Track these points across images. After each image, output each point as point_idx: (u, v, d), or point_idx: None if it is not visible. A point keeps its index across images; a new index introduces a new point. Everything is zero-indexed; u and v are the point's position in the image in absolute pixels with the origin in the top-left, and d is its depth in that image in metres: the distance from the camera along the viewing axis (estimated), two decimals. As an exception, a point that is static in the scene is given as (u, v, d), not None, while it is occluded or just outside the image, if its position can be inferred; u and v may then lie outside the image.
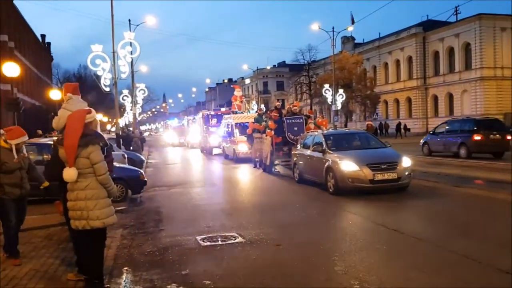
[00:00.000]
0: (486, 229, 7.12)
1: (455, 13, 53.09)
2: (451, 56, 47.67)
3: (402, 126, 46.09)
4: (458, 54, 46.30)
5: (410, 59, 52.53)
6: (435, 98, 49.91)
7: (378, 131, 42.28)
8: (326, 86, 43.13)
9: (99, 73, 19.51)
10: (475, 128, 19.22)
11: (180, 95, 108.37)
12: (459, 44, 46.05)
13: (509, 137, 19.12)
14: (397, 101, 55.09)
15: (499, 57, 43.72)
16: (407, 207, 9.49)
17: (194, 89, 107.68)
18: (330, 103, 44.19)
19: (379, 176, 10.11)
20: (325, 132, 13.51)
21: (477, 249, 5.90)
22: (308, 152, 12.50)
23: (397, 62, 54.78)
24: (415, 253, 5.92)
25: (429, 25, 51.05)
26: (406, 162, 10.59)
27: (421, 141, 22.43)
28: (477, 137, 18.77)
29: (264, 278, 5.07)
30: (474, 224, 7.57)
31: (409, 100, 52.97)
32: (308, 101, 62.77)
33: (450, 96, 47.72)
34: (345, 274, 5.10)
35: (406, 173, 10.41)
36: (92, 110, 4.93)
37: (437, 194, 10.55)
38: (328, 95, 42.57)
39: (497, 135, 19.01)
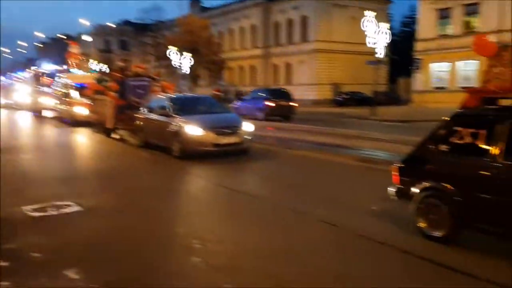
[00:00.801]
0: (312, 186, 7.97)
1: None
2: (291, 28, 50.87)
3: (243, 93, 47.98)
4: (297, 26, 49.67)
5: (254, 28, 54.55)
6: (276, 68, 53.05)
7: (224, 96, 43.41)
8: (173, 48, 42.31)
9: None
10: (269, 96, 24.46)
11: (7, 50, 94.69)
12: (298, 17, 49.36)
13: (292, 104, 24.95)
14: (241, 68, 57.08)
15: (332, 32, 47.98)
16: (247, 168, 10.07)
17: (23, 44, 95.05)
18: (176, 66, 43.65)
19: (222, 140, 10.47)
20: (171, 96, 13.34)
21: (304, 204, 6.59)
22: (153, 116, 12.23)
23: (242, 29, 56.44)
24: (252, 210, 6.36)
25: (273, -4, 53.45)
26: (247, 126, 11.15)
27: (233, 106, 25.76)
28: (270, 104, 23.88)
29: (104, 246, 4.89)
30: (303, 182, 8.42)
31: (252, 67, 55.33)
32: (154, 63, 60.95)
33: (289, 66, 51.22)
34: (186, 235, 5.23)
35: (247, 137, 10.98)
36: None
37: (274, 156, 11.41)
38: (175, 58, 41.90)
39: (285, 102, 24.48)
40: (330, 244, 4.94)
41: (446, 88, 35.61)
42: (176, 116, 11.23)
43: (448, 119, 4.88)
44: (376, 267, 4.28)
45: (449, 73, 35.60)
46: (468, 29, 34.74)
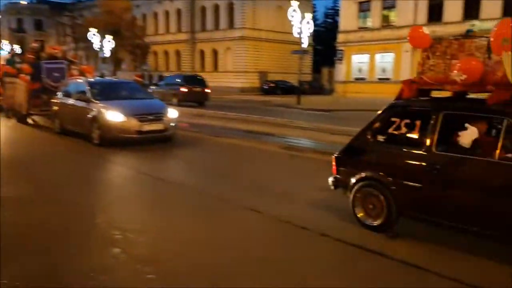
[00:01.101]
0: (239, 174, 8.00)
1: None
2: (217, 13, 50.40)
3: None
4: (223, 12, 49.29)
5: (179, 12, 53.32)
6: (202, 53, 52.42)
7: (148, 82, 42.17)
8: (93, 30, 40.19)
9: None
10: (183, 82, 24.94)
11: None
12: (225, 3, 48.96)
13: (207, 90, 25.64)
14: (166, 53, 55.71)
15: (259, 20, 48.16)
16: (172, 156, 9.87)
17: None
18: (97, 49, 41.58)
19: (146, 127, 10.15)
20: (90, 80, 12.66)
21: (230, 191, 6.59)
22: (71, 101, 11.54)
23: (167, 13, 54.94)
24: (177, 198, 6.24)
25: (199, -20, 52.52)
26: (172, 113, 10.89)
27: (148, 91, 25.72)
28: (183, 89, 24.39)
29: (17, 239, 4.52)
30: (230, 170, 8.41)
31: (178, 53, 54.20)
32: (73, 45, 57.50)
33: (215, 52, 50.84)
34: (106, 226, 5.00)
35: (172, 124, 10.74)
36: None
37: (200, 143, 11.29)
38: (95, 40, 39.85)
39: (199, 88, 25.15)
40: (254, 231, 4.99)
41: (366, 79, 37.42)
42: (96, 101, 10.69)
43: (385, 109, 4.94)
44: (298, 251, 4.38)
45: (369, 65, 37.39)
46: (386, 23, 36.67)
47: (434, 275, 3.82)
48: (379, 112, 5.01)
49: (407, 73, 33.96)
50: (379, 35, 36.22)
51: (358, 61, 38.02)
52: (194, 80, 26.35)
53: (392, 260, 4.13)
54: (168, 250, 4.37)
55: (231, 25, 48.71)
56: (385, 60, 36.19)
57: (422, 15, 33.65)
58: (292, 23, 26.72)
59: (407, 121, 4.64)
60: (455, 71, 4.20)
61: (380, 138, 4.87)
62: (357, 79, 38.03)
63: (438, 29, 31.47)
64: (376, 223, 4.76)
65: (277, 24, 45.60)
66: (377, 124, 4.94)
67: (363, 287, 3.69)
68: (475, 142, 4.29)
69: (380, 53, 36.34)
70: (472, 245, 4.38)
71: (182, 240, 4.63)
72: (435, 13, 32.82)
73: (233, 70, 47.46)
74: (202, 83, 26.22)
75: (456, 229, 4.34)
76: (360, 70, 38.05)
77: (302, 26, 26.47)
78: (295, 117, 18.49)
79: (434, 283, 3.74)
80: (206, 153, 10.16)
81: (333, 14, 65.90)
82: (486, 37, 4.16)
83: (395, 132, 4.72)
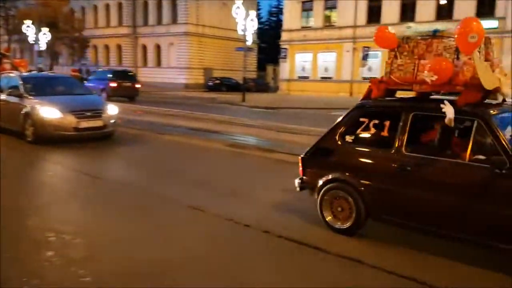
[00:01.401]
0: (182, 172, 7.88)
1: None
2: (159, 8, 49.32)
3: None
4: (166, 7, 48.33)
5: (120, 5, 51.61)
6: (145, 48, 51.16)
7: (86, 77, 40.55)
8: (28, 22, 38.04)
9: None
10: (112, 77, 24.96)
11: None
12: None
13: (137, 85, 26.07)
14: (107, 48, 53.86)
15: (204, 16, 47.63)
16: (112, 154, 9.56)
17: None
18: (32, 42, 39.41)
19: (83, 124, 9.75)
20: (24, 74, 12.00)
21: (173, 190, 6.48)
22: (3, 96, 10.85)
23: (107, 6, 53.07)
24: (116, 198, 6.04)
25: (140, -27, 51.16)
26: (111, 109, 10.54)
27: None
28: (113, 84, 24.36)
29: None
30: (173, 168, 8.27)
31: (119, 47, 52.56)
32: (5, 37, 54.09)
33: (159, 48, 49.79)
34: (39, 228, 4.75)
35: (112, 121, 10.39)
36: None
37: (142, 141, 11.01)
38: (30, 33, 37.75)
39: (129, 83, 25.41)
40: (195, 229, 4.93)
41: (309, 78, 38.18)
42: (30, 97, 10.14)
43: (353, 109, 4.80)
44: (240, 249, 4.39)
45: (312, 64, 38.17)
46: (328, 23, 37.60)
47: (370, 268, 3.95)
48: (347, 112, 4.86)
49: (348, 73, 35.12)
50: (321, 35, 37.07)
51: (302, 59, 38.73)
52: (124, 75, 26.40)
53: (328, 254, 4.23)
54: (106, 251, 4.22)
55: (174, 20, 47.86)
56: (327, 59, 37.11)
57: (362, 16, 34.84)
58: (236, 20, 26.73)
59: (376, 121, 4.55)
60: (426, 72, 4.12)
61: (349, 138, 4.75)
62: (300, 77, 38.72)
63: (377, 30, 32.76)
64: (345, 226, 4.64)
65: (222, 21, 45.43)
66: (345, 125, 4.79)
67: (300, 281, 3.75)
68: (446, 143, 4.25)
69: (322, 52, 37.20)
70: (437, 246, 4.44)
71: (120, 240, 4.49)
72: (374, 15, 34.08)
73: (177, 66, 46.74)
74: (132, 78, 26.55)
75: (426, 232, 4.29)
76: (303, 69, 38.76)
77: (246, 24, 26.55)
78: (240, 115, 18.54)
79: (369, 276, 3.86)
80: (149, 151, 9.93)
81: (277, 12, 66.66)
82: (454, 37, 4.11)
83: (364, 133, 4.63)
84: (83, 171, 7.48)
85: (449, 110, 3.97)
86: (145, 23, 50.59)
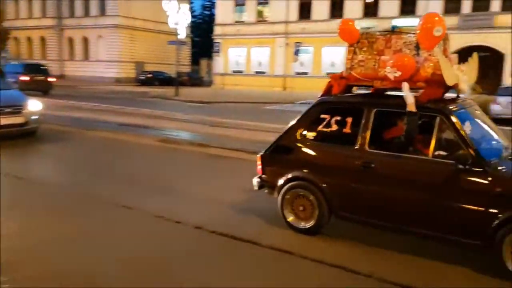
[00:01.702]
0: (112, 169, 7.61)
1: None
2: (87, -1, 47.12)
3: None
4: (94, -2, 46.25)
5: (44, -5, 48.75)
6: (71, 41, 48.68)
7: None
8: None
9: None
10: (23, 70, 24.18)
11: None
12: (94, -12, 45.94)
13: (50, 79, 25.45)
14: (29, 40, 50.62)
15: (134, 8, 45.93)
16: (36, 152, 9.02)
17: None
18: None
19: (3, 121, 9.10)
20: None
21: (102, 189, 6.24)
22: None
23: (30, -5, 49.88)
24: (41, 199, 5.72)
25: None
26: (34, 105, 9.94)
27: None
28: (24, 78, 23.41)
29: None
30: (102, 165, 7.96)
31: (43, 39, 49.61)
32: None
33: (86, 40, 47.60)
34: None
35: (35, 117, 9.80)
36: None
37: (68, 138, 10.49)
38: None
39: (41, 77, 24.71)
40: (124, 228, 4.78)
41: (243, 72, 38.35)
42: None
43: (313, 106, 4.66)
44: (171, 246, 4.33)
45: (246, 58, 38.36)
46: (261, 18, 37.94)
47: (309, 261, 4.04)
48: (307, 108, 4.74)
49: (281, 68, 35.72)
50: (255, 30, 37.35)
51: (236, 54, 38.79)
52: (36, 69, 25.56)
53: (264, 248, 4.28)
54: (28, 256, 3.98)
55: (103, 12, 45.91)
56: (261, 54, 37.47)
57: (294, 13, 35.52)
58: (167, 13, 26.19)
59: (338, 118, 4.41)
60: (389, 67, 4.03)
61: (310, 135, 4.62)
62: (235, 71, 38.79)
63: (307, 26, 33.66)
64: (308, 225, 4.53)
65: (154, 14, 44.20)
66: (305, 122, 4.66)
67: (232, 276, 3.78)
68: (409, 139, 4.13)
69: (256, 47, 37.51)
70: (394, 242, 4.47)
71: (44, 243, 4.26)
72: (304, 11, 34.88)
73: (106, 60, 44.94)
74: (44, 71, 25.81)
75: (390, 229, 4.23)
76: (237, 63, 38.86)
77: (179, 17, 26.09)
78: (172, 109, 18.24)
79: (308, 267, 3.94)
80: (75, 148, 9.47)
81: (210, 6, 66.13)
82: (414, 33, 4.10)
83: (325, 130, 4.48)
84: (3, 172, 6.98)
85: (408, 95, 3.97)
86: (71, 15, 48.07)
